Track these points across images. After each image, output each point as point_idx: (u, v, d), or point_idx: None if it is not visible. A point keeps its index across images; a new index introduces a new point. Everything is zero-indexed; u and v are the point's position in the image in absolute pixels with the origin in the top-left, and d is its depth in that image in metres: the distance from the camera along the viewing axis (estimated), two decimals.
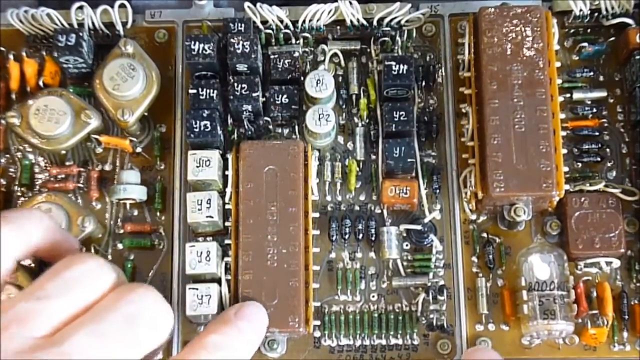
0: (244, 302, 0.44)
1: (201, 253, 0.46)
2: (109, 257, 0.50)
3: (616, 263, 0.48)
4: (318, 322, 0.48)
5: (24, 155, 0.51)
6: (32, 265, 0.48)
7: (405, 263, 0.49)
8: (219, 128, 0.48)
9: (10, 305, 0.35)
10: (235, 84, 0.49)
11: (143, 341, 0.37)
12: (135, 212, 0.51)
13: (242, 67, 0.49)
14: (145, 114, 0.51)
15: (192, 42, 0.49)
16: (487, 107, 0.46)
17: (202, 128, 0.48)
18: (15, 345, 0.33)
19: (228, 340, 0.40)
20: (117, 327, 0.36)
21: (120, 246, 0.50)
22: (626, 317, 0.48)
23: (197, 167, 0.47)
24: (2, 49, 0.53)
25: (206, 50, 0.49)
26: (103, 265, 0.39)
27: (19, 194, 0.51)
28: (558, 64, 0.48)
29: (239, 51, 0.49)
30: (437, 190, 0.50)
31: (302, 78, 0.50)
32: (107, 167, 0.51)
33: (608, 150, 0.51)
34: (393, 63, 0.49)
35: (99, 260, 0.39)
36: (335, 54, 0.52)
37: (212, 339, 0.40)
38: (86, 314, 0.36)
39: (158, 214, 0.50)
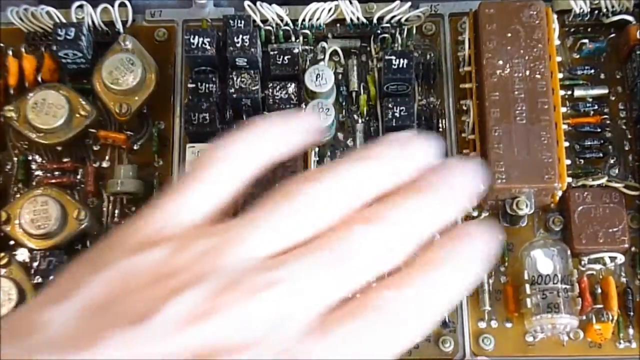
0: None
1: None
2: None
3: (620, 259, 0.47)
4: None
5: (21, 151, 0.51)
6: (27, 261, 0.48)
7: None
8: (217, 121, 0.48)
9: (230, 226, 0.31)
10: (235, 78, 0.49)
11: None
12: (132, 208, 0.50)
13: (241, 62, 0.49)
14: (144, 111, 0.50)
15: (192, 36, 0.49)
16: (487, 99, 0.46)
17: (200, 120, 0.48)
18: (229, 264, 0.29)
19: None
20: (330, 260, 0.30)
21: None
22: (631, 313, 0.47)
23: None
24: (1, 45, 0.53)
25: (205, 44, 0.49)
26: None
27: (15, 189, 0.50)
28: (559, 59, 0.48)
29: (238, 45, 0.49)
30: None
31: (301, 75, 0.50)
32: (105, 164, 0.51)
33: (610, 147, 0.50)
34: (393, 57, 0.49)
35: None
36: (335, 52, 0.52)
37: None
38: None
39: None
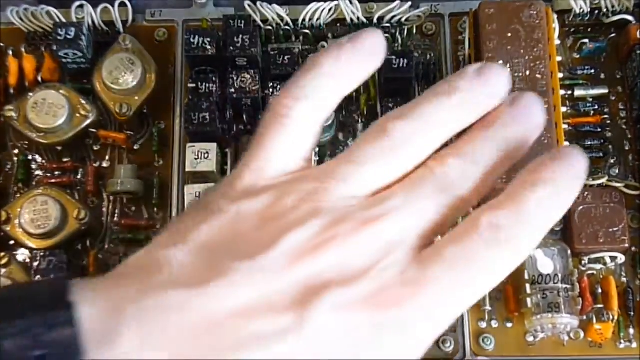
0: None
1: None
2: (105, 252, 0.49)
3: (621, 258, 0.47)
4: None
5: (21, 151, 0.51)
6: (28, 261, 0.48)
7: None
8: (217, 120, 0.48)
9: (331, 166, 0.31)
10: (235, 77, 0.49)
11: None
12: (133, 208, 0.50)
13: (241, 61, 0.49)
14: (144, 110, 0.50)
15: (192, 36, 0.49)
16: None
17: (200, 120, 0.47)
18: (335, 203, 0.30)
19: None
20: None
21: (116, 241, 0.49)
22: (632, 313, 0.47)
23: (196, 159, 0.47)
24: (1, 45, 0.53)
25: (206, 44, 0.49)
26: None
27: (15, 189, 0.50)
28: (559, 59, 0.48)
29: (238, 45, 0.49)
30: None
31: None
32: (105, 164, 0.51)
33: (610, 146, 0.50)
34: (393, 57, 0.49)
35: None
36: None
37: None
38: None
39: (155, 210, 0.50)
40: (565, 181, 0.31)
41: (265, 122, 0.32)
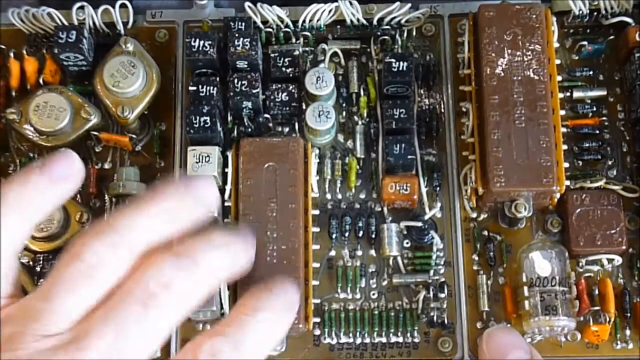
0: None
1: None
2: None
3: (618, 260, 0.48)
4: (318, 320, 0.47)
5: (23, 153, 0.51)
6: (31, 263, 0.48)
7: (405, 260, 0.49)
8: (218, 124, 0.48)
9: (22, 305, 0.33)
10: (235, 81, 0.49)
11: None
12: None
13: (242, 64, 0.49)
14: (146, 112, 0.51)
15: (193, 39, 0.49)
16: (487, 103, 0.46)
17: (201, 124, 0.48)
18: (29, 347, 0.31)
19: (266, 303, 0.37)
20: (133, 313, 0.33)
21: None
22: (628, 314, 0.47)
23: (197, 162, 0.47)
24: (3, 46, 0.53)
25: (206, 47, 0.49)
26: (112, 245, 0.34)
27: None
28: (558, 62, 0.48)
29: (239, 48, 0.49)
30: (438, 188, 0.50)
31: (302, 77, 0.50)
32: (107, 165, 0.51)
33: (609, 148, 0.51)
34: (393, 60, 0.49)
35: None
36: (335, 54, 0.52)
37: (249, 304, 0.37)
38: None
39: None
40: (282, 309, 0.37)
41: None
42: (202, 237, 0.36)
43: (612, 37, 0.52)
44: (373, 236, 0.49)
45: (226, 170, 0.48)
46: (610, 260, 0.48)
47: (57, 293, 0.32)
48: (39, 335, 0.31)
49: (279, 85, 0.50)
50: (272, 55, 0.51)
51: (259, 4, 0.51)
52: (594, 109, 0.51)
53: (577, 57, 0.52)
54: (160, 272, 0.33)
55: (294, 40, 0.52)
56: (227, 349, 0.33)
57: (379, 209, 0.50)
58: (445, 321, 0.47)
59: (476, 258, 0.49)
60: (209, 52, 0.49)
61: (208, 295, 0.35)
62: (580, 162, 0.50)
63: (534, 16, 0.48)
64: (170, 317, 0.33)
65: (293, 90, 0.50)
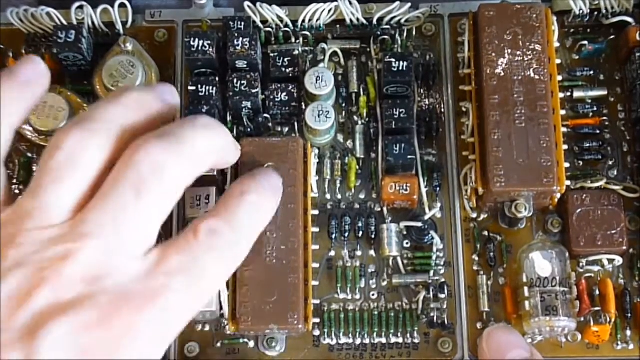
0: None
1: None
2: None
3: (618, 261, 0.48)
4: (317, 320, 0.47)
5: (22, 153, 0.51)
6: None
7: (405, 261, 0.49)
8: None
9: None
10: (235, 80, 0.49)
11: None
12: None
13: (241, 64, 0.49)
14: None
15: (192, 39, 0.49)
16: (487, 102, 0.46)
17: None
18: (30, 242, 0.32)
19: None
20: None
21: None
22: (629, 315, 0.47)
23: None
24: (2, 46, 0.53)
25: (206, 47, 0.49)
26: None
27: (17, 192, 0.50)
28: (558, 61, 0.48)
29: (238, 48, 0.49)
30: (438, 189, 0.50)
31: (302, 76, 0.50)
32: None
33: (609, 148, 0.51)
34: (393, 60, 0.49)
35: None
36: (335, 53, 0.52)
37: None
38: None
39: None
40: (266, 190, 0.40)
41: None
42: (185, 119, 0.38)
43: (612, 36, 0.52)
44: (373, 236, 0.49)
45: (225, 171, 0.47)
46: (610, 261, 0.48)
47: (44, 186, 0.33)
48: (36, 229, 0.32)
49: (279, 85, 0.50)
50: (272, 55, 0.50)
51: (258, 4, 0.51)
52: (595, 108, 0.51)
53: (577, 57, 0.52)
54: (146, 150, 0.34)
55: (293, 40, 0.52)
56: (224, 229, 0.36)
57: (379, 209, 0.50)
58: (446, 322, 0.47)
59: (476, 258, 0.49)
60: (208, 52, 0.49)
61: (198, 175, 0.37)
62: (581, 162, 0.50)
63: (535, 16, 0.48)
64: (165, 195, 0.35)
65: (292, 90, 0.50)
